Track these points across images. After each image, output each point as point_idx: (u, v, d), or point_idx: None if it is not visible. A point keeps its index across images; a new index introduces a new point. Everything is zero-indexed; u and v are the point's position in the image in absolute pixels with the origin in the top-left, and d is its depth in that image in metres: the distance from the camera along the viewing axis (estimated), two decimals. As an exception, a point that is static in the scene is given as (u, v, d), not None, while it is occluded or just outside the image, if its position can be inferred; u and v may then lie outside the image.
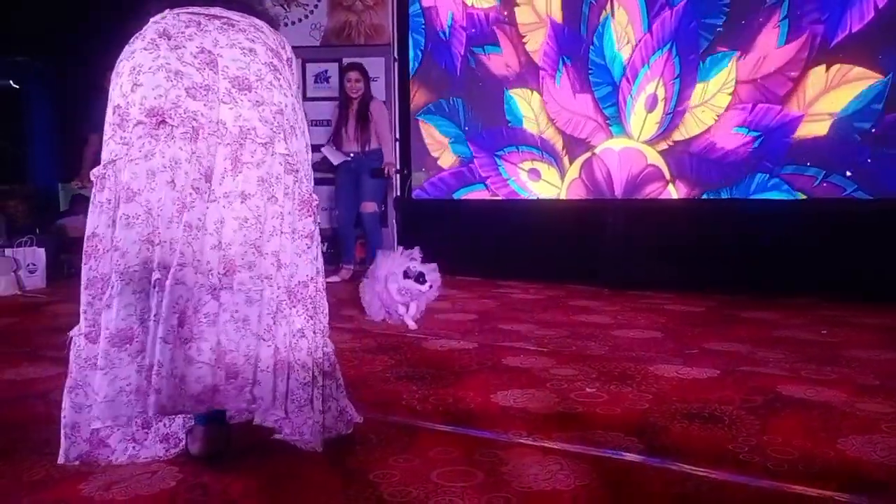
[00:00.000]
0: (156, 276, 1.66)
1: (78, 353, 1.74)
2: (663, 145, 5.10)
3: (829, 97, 4.49)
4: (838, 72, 4.45)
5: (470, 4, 5.67)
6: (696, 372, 2.67)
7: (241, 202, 1.72)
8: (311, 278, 1.84)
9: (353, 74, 5.02)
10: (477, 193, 5.83)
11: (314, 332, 1.83)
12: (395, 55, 6.03)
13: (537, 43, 5.49)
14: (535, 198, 5.59)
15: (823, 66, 4.49)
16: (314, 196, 1.88)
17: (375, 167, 5.09)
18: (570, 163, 5.45)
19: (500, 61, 5.63)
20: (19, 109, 8.16)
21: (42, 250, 5.14)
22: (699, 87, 4.92)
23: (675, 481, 1.69)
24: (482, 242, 5.54)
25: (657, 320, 3.79)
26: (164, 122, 1.67)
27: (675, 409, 2.23)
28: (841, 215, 4.44)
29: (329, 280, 4.97)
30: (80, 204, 7.30)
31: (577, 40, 5.33)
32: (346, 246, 5.27)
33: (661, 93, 5.07)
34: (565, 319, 3.83)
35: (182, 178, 1.69)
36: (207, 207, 1.70)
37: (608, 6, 5.19)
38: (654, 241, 4.99)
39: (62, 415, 1.76)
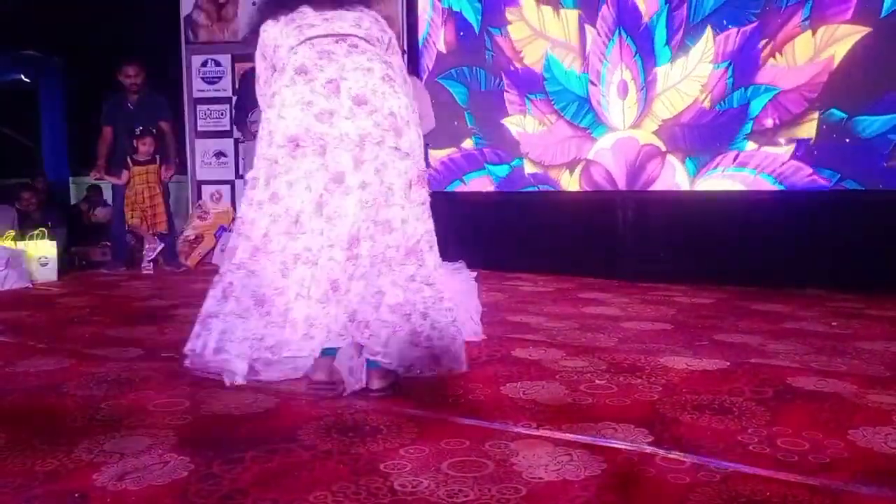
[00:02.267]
0: (305, 255, 2.23)
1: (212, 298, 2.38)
2: (653, 125, 5.12)
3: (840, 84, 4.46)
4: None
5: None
6: (706, 363, 2.67)
7: (362, 189, 2.23)
8: (422, 235, 2.34)
9: None
10: (487, 178, 5.83)
11: (421, 279, 2.32)
12: (405, 47, 6.01)
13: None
14: (544, 189, 5.58)
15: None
16: (425, 170, 2.41)
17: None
18: (569, 177, 5.47)
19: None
20: (31, 104, 8.21)
21: (53, 243, 5.18)
22: (679, 61, 4.97)
23: (685, 472, 1.69)
24: (490, 234, 5.54)
25: (666, 312, 3.78)
26: (298, 145, 2.22)
27: (684, 401, 2.23)
28: (852, 207, 4.42)
29: None
30: (97, 194, 7.41)
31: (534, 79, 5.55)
32: None
33: (627, 75, 5.17)
34: (574, 311, 3.83)
35: (315, 183, 2.23)
36: (344, 199, 2.22)
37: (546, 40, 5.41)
38: (663, 233, 4.98)
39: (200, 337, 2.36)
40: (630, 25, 5.14)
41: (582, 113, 5.37)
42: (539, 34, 5.50)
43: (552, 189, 5.53)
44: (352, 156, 2.21)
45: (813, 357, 2.79)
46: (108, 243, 6.31)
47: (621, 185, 5.28)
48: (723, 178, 4.85)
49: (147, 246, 5.62)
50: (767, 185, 4.70)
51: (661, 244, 4.96)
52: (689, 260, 4.82)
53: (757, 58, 4.67)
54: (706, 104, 4.88)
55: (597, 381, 2.46)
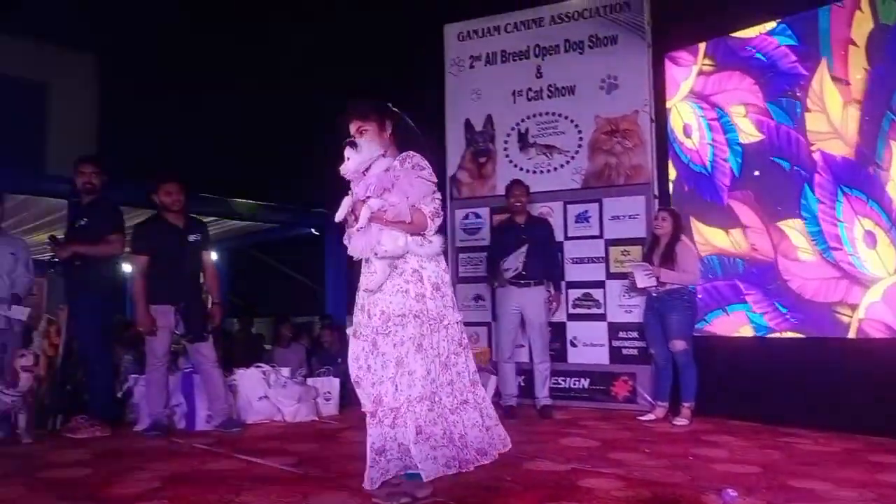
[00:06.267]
0: None
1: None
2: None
3: None
4: None
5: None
6: None
7: None
8: None
9: (662, 213, 5.40)
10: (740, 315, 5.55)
11: None
12: (656, 192, 6.08)
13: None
14: (816, 336, 5.14)
15: None
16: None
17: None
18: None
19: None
20: (318, 252, 9.54)
21: (337, 380, 5.75)
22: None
23: None
24: (759, 383, 5.16)
25: None
26: None
27: None
28: None
29: (644, 419, 5.27)
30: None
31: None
32: (662, 386, 5.37)
33: (868, 224, 4.85)
34: (868, 478, 3.40)
35: None
36: None
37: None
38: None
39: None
40: (847, 178, 4.93)
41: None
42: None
43: (823, 336, 5.07)
44: None
45: None
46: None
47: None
48: None
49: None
50: None
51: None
52: None
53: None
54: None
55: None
